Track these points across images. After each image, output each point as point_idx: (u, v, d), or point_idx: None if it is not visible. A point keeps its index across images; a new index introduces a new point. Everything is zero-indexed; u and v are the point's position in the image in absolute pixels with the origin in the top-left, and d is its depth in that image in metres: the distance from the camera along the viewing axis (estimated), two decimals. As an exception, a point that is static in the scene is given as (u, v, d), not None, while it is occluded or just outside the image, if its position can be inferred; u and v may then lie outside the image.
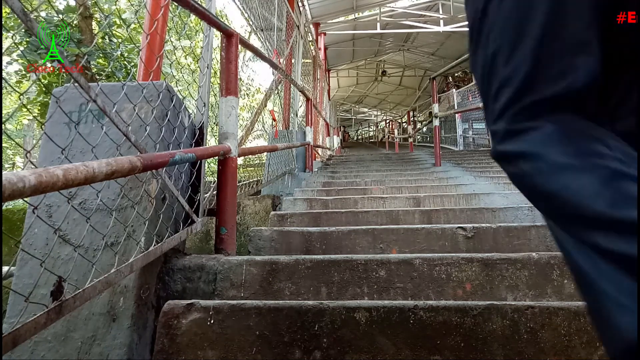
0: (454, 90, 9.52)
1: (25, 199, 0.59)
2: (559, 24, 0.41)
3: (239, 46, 1.52)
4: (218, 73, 1.51)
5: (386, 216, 1.97)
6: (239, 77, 1.50)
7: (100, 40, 6.11)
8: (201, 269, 1.21)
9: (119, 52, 6.28)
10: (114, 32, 6.35)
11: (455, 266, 1.15)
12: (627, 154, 0.38)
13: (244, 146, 3.40)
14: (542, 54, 0.41)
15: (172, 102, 1.29)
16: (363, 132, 27.75)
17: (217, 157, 1.41)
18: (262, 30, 5.96)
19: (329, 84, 12.55)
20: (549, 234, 1.51)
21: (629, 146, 0.39)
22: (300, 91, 4.31)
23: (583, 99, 0.41)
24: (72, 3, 6.05)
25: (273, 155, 3.40)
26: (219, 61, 1.48)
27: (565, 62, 0.41)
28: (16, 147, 13.25)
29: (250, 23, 5.85)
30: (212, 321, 0.92)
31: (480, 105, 2.84)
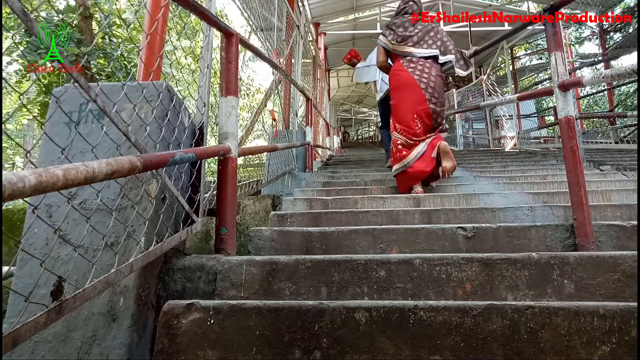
0: (454, 90, 9.49)
1: (25, 199, 0.59)
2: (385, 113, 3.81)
3: (239, 46, 1.52)
4: (218, 73, 1.51)
5: (386, 216, 1.96)
6: (239, 77, 1.50)
7: (100, 40, 6.10)
8: (201, 269, 1.21)
9: (119, 52, 6.28)
10: (114, 32, 6.34)
11: (455, 266, 1.15)
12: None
13: (244, 146, 3.39)
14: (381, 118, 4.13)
15: (172, 102, 1.29)
16: (363, 132, 27.72)
17: (217, 157, 1.41)
18: (262, 30, 5.96)
19: (329, 84, 12.53)
20: (549, 234, 1.51)
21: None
22: (300, 91, 4.31)
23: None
24: (72, 3, 6.05)
25: (273, 155, 3.39)
26: (219, 61, 1.48)
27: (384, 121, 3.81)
28: (16, 147, 13.25)
29: (250, 23, 5.85)
30: (212, 321, 0.92)
31: (481, 104, 2.85)
